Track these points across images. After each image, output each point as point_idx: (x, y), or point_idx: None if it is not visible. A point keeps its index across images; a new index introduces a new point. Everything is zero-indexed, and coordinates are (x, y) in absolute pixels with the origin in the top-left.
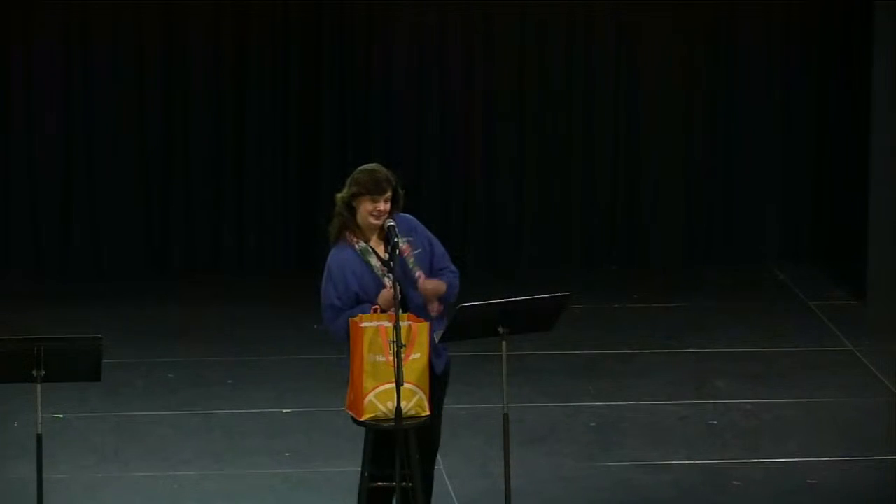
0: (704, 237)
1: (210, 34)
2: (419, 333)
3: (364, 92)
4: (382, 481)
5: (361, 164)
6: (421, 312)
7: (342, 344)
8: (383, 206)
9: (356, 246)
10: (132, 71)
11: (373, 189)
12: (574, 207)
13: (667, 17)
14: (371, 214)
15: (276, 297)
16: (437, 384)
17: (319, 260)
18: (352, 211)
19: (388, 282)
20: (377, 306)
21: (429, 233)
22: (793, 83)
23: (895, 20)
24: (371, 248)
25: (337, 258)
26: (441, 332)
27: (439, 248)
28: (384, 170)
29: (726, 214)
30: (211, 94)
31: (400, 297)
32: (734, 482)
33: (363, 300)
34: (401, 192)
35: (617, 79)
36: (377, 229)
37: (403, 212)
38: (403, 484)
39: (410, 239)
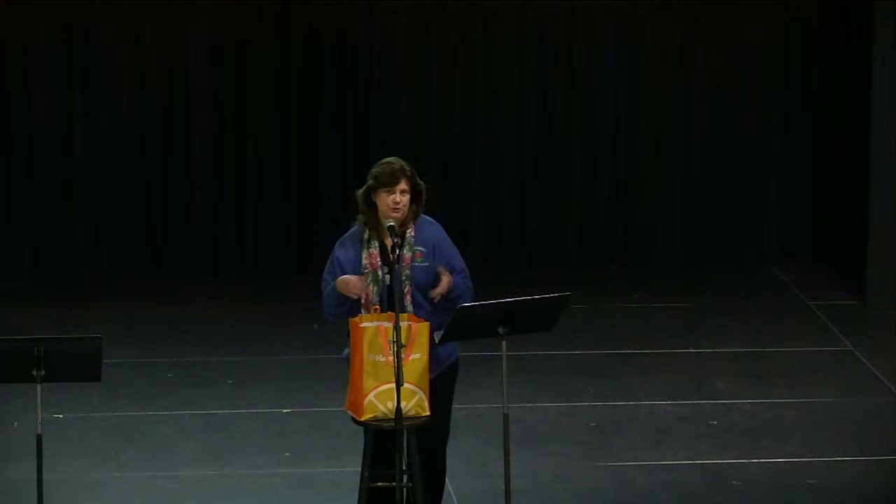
0: (704, 237)
1: (210, 34)
2: (419, 333)
3: (364, 92)
4: (383, 481)
5: (360, 165)
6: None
7: (341, 341)
8: (399, 197)
9: (365, 235)
10: (132, 71)
11: (387, 180)
12: (574, 207)
13: (667, 17)
14: (389, 207)
15: (276, 298)
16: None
17: (319, 260)
18: (373, 206)
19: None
20: (377, 306)
21: (452, 247)
22: (793, 83)
23: (895, 20)
24: (379, 243)
25: (345, 238)
26: (441, 332)
27: (459, 263)
28: (400, 161)
29: (726, 214)
30: (211, 94)
31: (375, 297)
32: (734, 482)
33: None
34: (421, 184)
35: (617, 79)
36: (398, 224)
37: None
38: (403, 484)
39: (423, 250)
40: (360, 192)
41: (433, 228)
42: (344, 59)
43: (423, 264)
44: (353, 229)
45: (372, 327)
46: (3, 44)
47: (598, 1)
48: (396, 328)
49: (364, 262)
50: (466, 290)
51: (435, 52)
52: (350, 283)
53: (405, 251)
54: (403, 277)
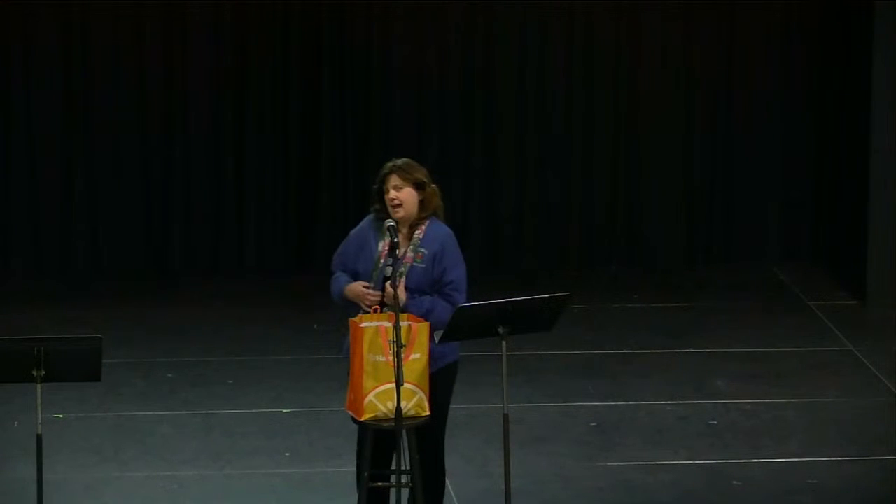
0: (705, 237)
1: (210, 34)
2: (419, 333)
3: (364, 92)
4: (382, 481)
5: (360, 165)
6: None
7: (341, 339)
8: (394, 193)
9: (385, 222)
10: (132, 71)
11: (380, 178)
12: (574, 208)
13: (667, 16)
14: (388, 204)
15: (276, 298)
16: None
17: (319, 260)
18: (384, 203)
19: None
20: (377, 307)
21: (454, 257)
22: (793, 83)
23: (895, 20)
24: (395, 235)
25: (361, 225)
26: (441, 332)
27: (453, 274)
28: (402, 160)
29: (726, 214)
30: (211, 93)
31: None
32: (734, 482)
33: (356, 272)
34: (428, 186)
35: (617, 79)
36: (403, 221)
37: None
38: (402, 484)
39: (425, 252)
40: (374, 187)
41: (443, 236)
42: (344, 59)
43: (422, 265)
44: (375, 217)
45: (372, 327)
46: (3, 44)
47: (597, 1)
48: (396, 328)
49: (378, 255)
50: (441, 310)
51: (435, 52)
52: (360, 295)
53: (409, 251)
54: (399, 273)
